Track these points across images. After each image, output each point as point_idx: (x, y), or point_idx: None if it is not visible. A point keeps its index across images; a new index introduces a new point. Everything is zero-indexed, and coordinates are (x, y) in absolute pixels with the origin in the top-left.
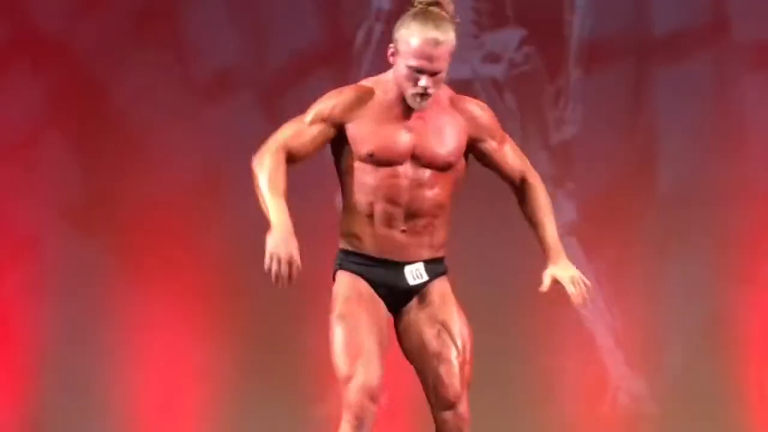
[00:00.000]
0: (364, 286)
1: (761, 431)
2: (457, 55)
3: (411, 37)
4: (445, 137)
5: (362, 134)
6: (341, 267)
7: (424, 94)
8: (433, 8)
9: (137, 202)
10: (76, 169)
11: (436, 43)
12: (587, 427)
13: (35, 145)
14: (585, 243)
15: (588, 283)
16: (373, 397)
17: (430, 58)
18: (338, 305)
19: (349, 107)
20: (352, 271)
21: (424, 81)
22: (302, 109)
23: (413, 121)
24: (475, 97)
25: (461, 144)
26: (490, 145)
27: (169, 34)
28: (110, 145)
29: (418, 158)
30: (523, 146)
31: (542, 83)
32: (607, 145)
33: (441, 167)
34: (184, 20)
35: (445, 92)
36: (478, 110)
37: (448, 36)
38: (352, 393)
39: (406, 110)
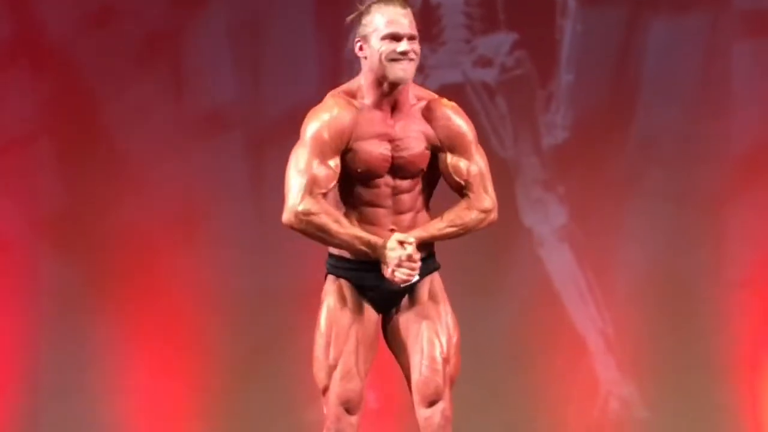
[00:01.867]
0: (349, 292)
1: None
2: (448, 61)
3: (379, 15)
4: (417, 145)
5: (353, 155)
6: (329, 272)
7: (407, 58)
8: None
9: (114, 221)
10: (58, 181)
11: (405, 11)
12: None
13: (21, 149)
14: (576, 248)
15: (413, 268)
16: (349, 408)
17: (402, 25)
18: (321, 316)
19: (345, 134)
20: (340, 276)
21: (404, 44)
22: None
23: (390, 128)
24: (467, 101)
25: (427, 151)
26: (444, 157)
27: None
28: (96, 163)
29: (395, 170)
30: (515, 150)
31: (534, 87)
32: (598, 149)
33: (416, 175)
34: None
35: (421, 95)
36: (450, 122)
37: (409, 12)
38: (330, 404)
39: (383, 116)
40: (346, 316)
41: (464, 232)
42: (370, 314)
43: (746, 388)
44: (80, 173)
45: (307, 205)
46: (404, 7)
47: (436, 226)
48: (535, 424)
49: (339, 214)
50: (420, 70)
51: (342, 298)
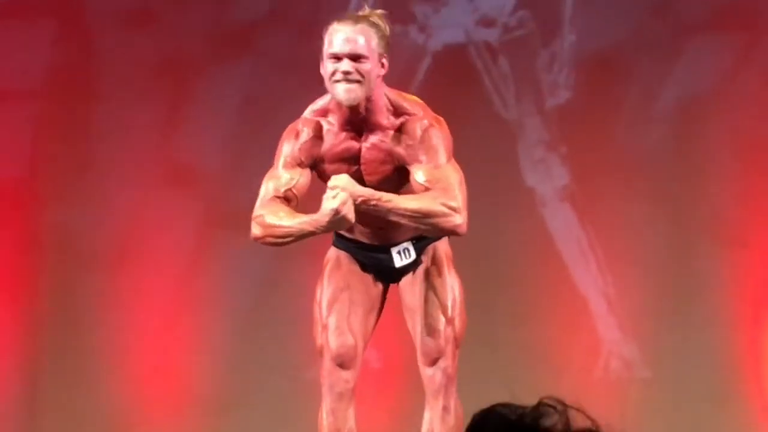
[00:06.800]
0: (347, 260)
1: (753, 395)
2: (451, 20)
3: (330, 35)
4: (386, 170)
5: (323, 175)
6: (333, 244)
7: (349, 79)
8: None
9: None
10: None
11: (352, 30)
12: (580, 392)
13: (11, 101)
14: (578, 208)
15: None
16: (342, 364)
17: (346, 41)
18: (319, 284)
19: (309, 150)
20: (343, 249)
21: (344, 64)
22: None
23: (356, 150)
24: (469, 61)
25: (399, 169)
26: (411, 168)
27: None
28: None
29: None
30: (517, 111)
31: (536, 47)
32: (601, 109)
33: (391, 191)
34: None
35: (405, 110)
36: (423, 137)
37: (365, 28)
38: (324, 361)
39: (352, 137)
40: (341, 279)
41: (422, 217)
42: (373, 281)
43: (748, 346)
44: (55, 147)
45: (256, 212)
46: (356, 23)
47: (399, 201)
48: (536, 383)
49: (284, 209)
50: (422, 29)
51: (338, 265)
